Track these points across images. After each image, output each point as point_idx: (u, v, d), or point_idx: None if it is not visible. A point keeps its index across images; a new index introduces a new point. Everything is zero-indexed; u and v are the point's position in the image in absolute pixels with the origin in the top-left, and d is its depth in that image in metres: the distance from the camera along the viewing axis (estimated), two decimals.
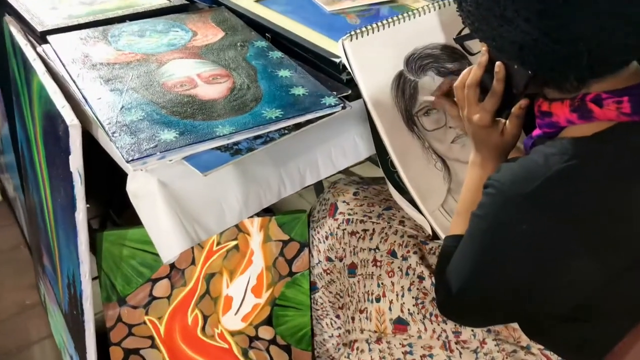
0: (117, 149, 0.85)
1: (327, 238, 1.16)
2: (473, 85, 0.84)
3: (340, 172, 1.07)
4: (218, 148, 0.89)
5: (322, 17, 1.24)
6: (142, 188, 0.88)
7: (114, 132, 0.88)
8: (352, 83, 1.03)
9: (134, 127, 0.89)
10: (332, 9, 1.27)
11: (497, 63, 0.80)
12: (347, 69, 1.03)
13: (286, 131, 0.94)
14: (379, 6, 1.30)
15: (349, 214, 1.12)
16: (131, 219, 1.66)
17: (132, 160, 0.83)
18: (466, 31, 0.86)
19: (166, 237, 0.87)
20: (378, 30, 1.05)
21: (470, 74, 0.84)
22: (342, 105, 0.98)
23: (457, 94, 0.87)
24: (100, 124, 0.89)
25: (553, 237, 0.70)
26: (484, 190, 0.76)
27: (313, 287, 1.21)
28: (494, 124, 0.84)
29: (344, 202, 1.15)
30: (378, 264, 1.05)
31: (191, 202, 0.90)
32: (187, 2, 1.29)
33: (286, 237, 1.20)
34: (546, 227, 0.70)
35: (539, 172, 0.70)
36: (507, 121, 0.85)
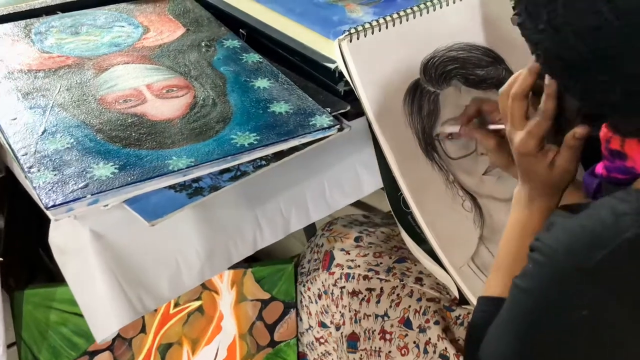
0: (33, 188, 0.78)
1: (320, 297, 1.12)
2: (520, 96, 0.79)
3: None
4: (172, 187, 0.83)
5: (314, 8, 1.19)
6: (69, 241, 0.83)
7: (30, 167, 0.81)
8: (352, 96, 0.98)
9: (58, 160, 0.83)
10: None
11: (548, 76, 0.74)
12: (345, 77, 0.97)
13: (263, 162, 0.89)
14: None
15: (349, 267, 1.08)
16: None
17: (54, 206, 0.76)
18: None
19: (101, 308, 0.84)
20: (386, 27, 0.99)
21: (518, 81, 0.79)
22: (338, 126, 0.93)
23: (501, 103, 0.82)
24: (14, 154, 0.83)
25: (624, 329, 0.64)
26: (530, 254, 0.72)
27: None
28: (541, 152, 0.79)
29: (342, 250, 1.11)
30: (387, 336, 1.02)
31: (135, 260, 0.86)
32: None
33: (266, 296, 1.17)
34: (615, 315, 0.64)
35: (605, 238, 0.64)
36: (559, 151, 0.79)
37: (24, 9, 1.13)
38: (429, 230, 0.96)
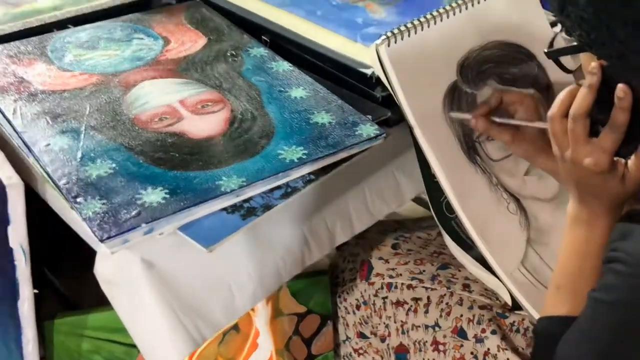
0: (83, 221, 0.74)
1: (358, 308, 1.09)
2: (582, 115, 0.76)
3: None
4: (224, 208, 0.80)
5: (334, 9, 1.16)
6: (119, 272, 0.79)
7: (76, 196, 0.77)
8: (390, 101, 0.95)
9: (104, 187, 0.79)
10: None
11: (620, 86, 0.72)
12: (382, 82, 0.95)
13: (312, 176, 0.86)
14: None
15: (391, 277, 1.05)
16: (79, 280, 1.53)
17: (109, 238, 0.72)
18: (560, 41, 0.79)
19: (159, 340, 0.80)
20: (422, 29, 0.96)
21: (578, 100, 0.76)
22: (384, 134, 0.90)
23: (553, 127, 0.79)
24: (55, 183, 0.79)
25: None
26: (608, 266, 0.70)
27: None
28: (612, 167, 0.77)
29: (380, 259, 1.08)
30: (440, 347, 0.99)
31: (188, 287, 0.82)
32: None
33: (302, 309, 1.13)
34: None
35: None
36: (630, 163, 0.77)
37: (34, 25, 1.08)
38: (478, 236, 0.94)
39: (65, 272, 1.46)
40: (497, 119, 0.93)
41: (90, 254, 1.19)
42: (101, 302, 1.22)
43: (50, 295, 1.38)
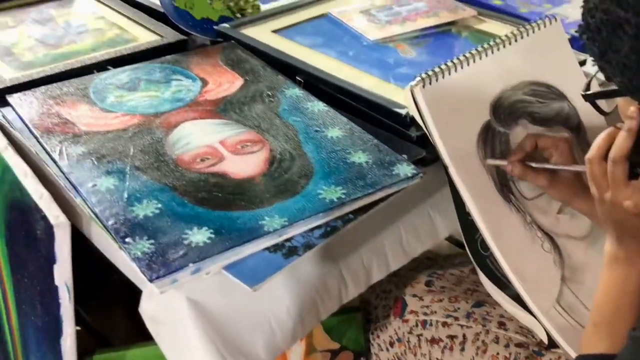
0: (132, 261, 0.75)
1: (392, 345, 1.09)
2: (622, 158, 0.77)
3: None
4: (266, 248, 0.81)
5: (365, 50, 1.19)
6: (164, 311, 0.80)
7: (124, 236, 0.79)
8: (424, 141, 0.96)
9: (151, 227, 0.80)
10: (376, 37, 1.21)
11: None
12: (416, 122, 0.96)
13: (351, 216, 0.87)
14: (434, 31, 1.25)
15: (425, 314, 1.06)
16: (109, 313, 1.54)
17: (158, 278, 0.73)
18: (595, 84, 0.80)
19: None
20: (455, 70, 0.98)
21: (617, 143, 0.77)
22: (421, 174, 0.91)
23: (592, 169, 0.81)
24: (103, 224, 0.80)
25: None
26: None
27: None
28: None
29: (414, 296, 1.09)
30: None
31: (231, 325, 0.83)
32: (184, 37, 1.21)
33: (336, 346, 1.14)
34: None
35: None
36: None
37: (76, 66, 1.11)
38: (513, 274, 0.94)
39: (94, 308, 1.47)
40: (533, 164, 0.94)
41: (119, 289, 1.20)
42: (130, 337, 1.23)
43: (82, 330, 1.40)
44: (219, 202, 0.84)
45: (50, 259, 0.87)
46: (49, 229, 0.86)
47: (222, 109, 1.01)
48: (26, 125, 0.97)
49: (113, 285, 1.36)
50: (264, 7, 1.32)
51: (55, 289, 0.88)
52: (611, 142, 0.78)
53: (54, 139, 0.94)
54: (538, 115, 1.02)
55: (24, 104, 1.01)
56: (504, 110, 1.00)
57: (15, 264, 1.01)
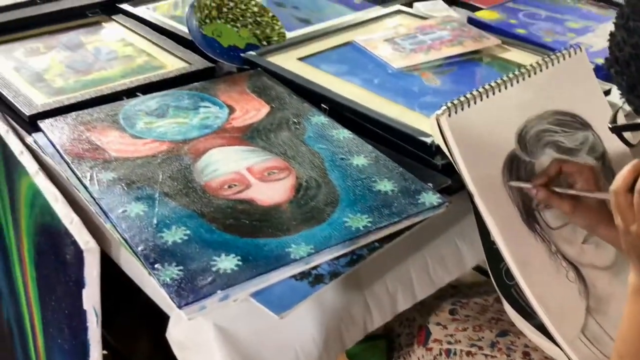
0: (161, 287, 0.76)
1: None
2: None
3: None
4: (293, 275, 0.81)
5: (390, 78, 1.20)
6: (191, 336, 0.81)
7: (153, 262, 0.80)
8: (449, 169, 0.97)
9: (180, 253, 0.81)
10: (401, 65, 1.22)
11: None
12: (441, 150, 0.97)
13: (377, 244, 0.87)
14: (458, 59, 1.26)
15: (449, 343, 1.05)
16: (134, 338, 1.55)
17: (187, 304, 0.74)
18: (621, 117, 0.80)
19: None
20: (481, 99, 0.99)
21: None
22: (446, 203, 0.92)
23: (617, 200, 0.81)
24: (132, 250, 0.82)
25: None
26: None
27: None
28: None
29: (438, 324, 1.08)
30: None
31: (256, 352, 0.83)
32: (211, 64, 1.23)
33: None
34: None
35: None
36: None
37: (106, 92, 1.13)
38: (539, 305, 0.94)
39: (118, 332, 1.49)
40: (557, 189, 0.94)
41: (143, 314, 1.21)
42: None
43: (108, 355, 1.41)
44: (246, 229, 0.85)
45: (80, 283, 0.88)
46: (79, 253, 0.87)
47: (249, 136, 1.03)
48: (57, 150, 0.99)
49: (137, 309, 1.37)
50: (289, 35, 1.34)
51: (83, 313, 0.89)
52: (637, 174, 0.78)
53: (85, 165, 0.95)
54: (563, 145, 1.02)
55: (55, 130, 1.03)
56: (529, 140, 1.01)
57: (43, 286, 1.02)
